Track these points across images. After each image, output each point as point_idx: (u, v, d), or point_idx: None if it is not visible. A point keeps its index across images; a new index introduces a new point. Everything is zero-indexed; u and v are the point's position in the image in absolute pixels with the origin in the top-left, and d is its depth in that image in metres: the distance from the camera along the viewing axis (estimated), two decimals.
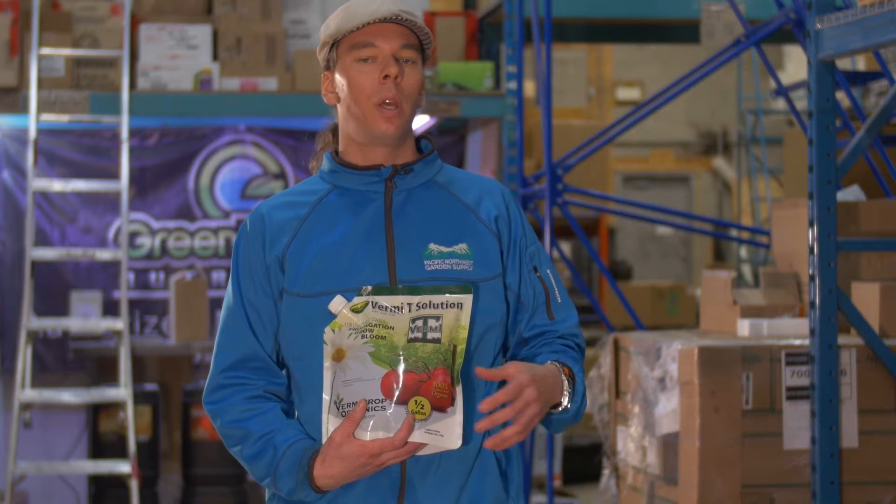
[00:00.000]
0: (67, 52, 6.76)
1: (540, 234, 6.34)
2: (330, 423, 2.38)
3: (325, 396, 2.39)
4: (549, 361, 2.49)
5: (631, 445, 4.57)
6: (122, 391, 6.51)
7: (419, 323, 2.36)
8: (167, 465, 7.72)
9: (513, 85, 6.91)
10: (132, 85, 6.80)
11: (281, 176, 8.06)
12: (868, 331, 4.01)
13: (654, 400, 4.36)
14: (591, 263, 10.92)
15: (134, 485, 6.45)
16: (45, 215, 7.78)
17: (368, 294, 2.39)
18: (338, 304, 2.40)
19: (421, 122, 7.47)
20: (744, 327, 4.50)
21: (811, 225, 3.88)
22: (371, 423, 2.34)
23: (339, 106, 2.58)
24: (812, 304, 3.89)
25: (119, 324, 6.59)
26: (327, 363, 2.39)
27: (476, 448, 2.51)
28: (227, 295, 2.59)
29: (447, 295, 2.38)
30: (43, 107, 6.64)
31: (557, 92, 9.92)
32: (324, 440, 2.39)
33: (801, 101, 8.61)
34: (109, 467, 6.66)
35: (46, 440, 7.61)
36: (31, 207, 6.63)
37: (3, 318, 7.63)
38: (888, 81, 5.00)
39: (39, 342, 7.69)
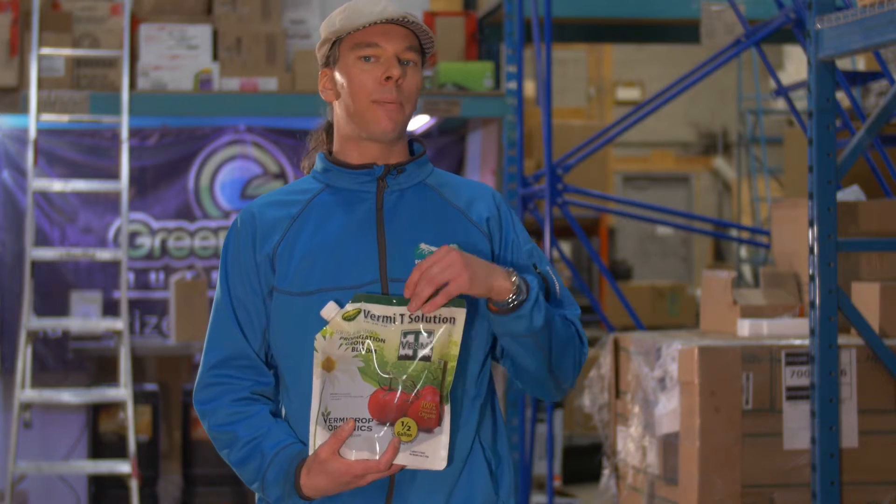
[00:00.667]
0: (67, 52, 6.76)
1: (540, 234, 6.34)
2: (317, 434, 2.39)
3: (314, 405, 2.39)
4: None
5: (631, 445, 4.57)
6: (122, 391, 6.51)
7: (410, 338, 2.35)
8: (167, 465, 7.72)
9: (513, 85, 6.91)
10: (132, 85, 6.80)
11: (281, 176, 8.06)
12: (868, 331, 4.01)
13: (654, 400, 4.36)
14: (591, 263, 10.92)
15: (134, 485, 6.45)
16: (45, 215, 7.78)
17: (361, 301, 2.37)
18: (330, 310, 2.39)
19: (421, 122, 7.47)
20: (744, 327, 4.50)
21: (811, 225, 3.88)
22: (357, 442, 2.35)
23: (336, 103, 2.58)
24: (812, 304, 3.89)
25: (119, 324, 6.59)
26: (317, 371, 2.38)
27: (466, 450, 2.51)
28: (216, 293, 2.59)
29: (440, 309, 2.35)
30: (43, 107, 6.64)
31: (557, 92, 9.92)
32: (311, 449, 2.40)
33: (801, 101, 8.60)
34: (109, 467, 6.66)
35: (46, 440, 7.61)
36: (31, 207, 6.63)
37: (3, 318, 7.63)
38: (888, 81, 5.00)
39: (39, 342, 7.69)
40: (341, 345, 2.36)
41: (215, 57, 6.97)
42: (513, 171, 6.85)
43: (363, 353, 2.35)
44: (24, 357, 6.45)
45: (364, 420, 2.35)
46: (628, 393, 4.61)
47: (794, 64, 14.68)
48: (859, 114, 5.27)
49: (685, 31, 7.41)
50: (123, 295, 6.61)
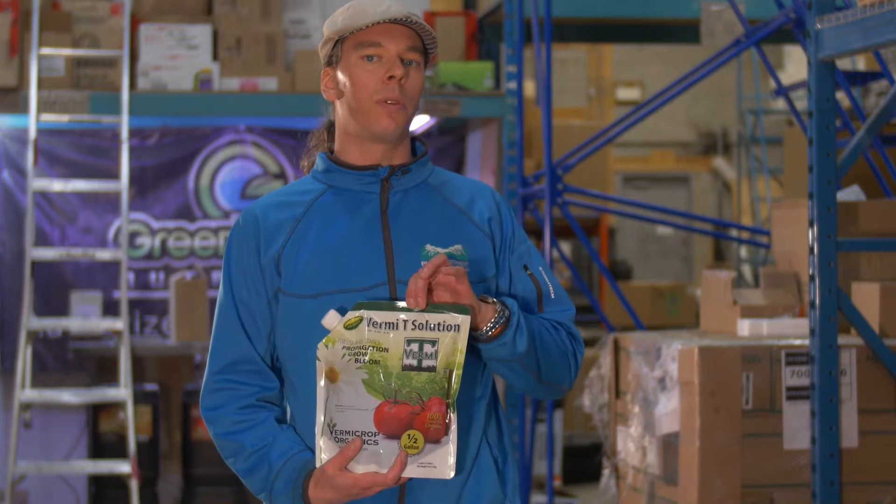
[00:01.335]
0: (67, 52, 6.76)
1: (540, 234, 6.34)
2: (324, 446, 2.38)
3: (319, 416, 2.38)
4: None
5: (631, 445, 4.57)
6: (122, 391, 6.51)
7: (414, 347, 2.33)
8: (167, 465, 7.72)
9: (513, 85, 6.91)
10: (132, 85, 6.80)
11: (281, 176, 8.06)
12: (868, 331, 4.01)
13: (654, 400, 4.36)
14: (591, 263, 10.92)
15: (134, 485, 6.44)
16: (45, 215, 7.77)
17: (362, 309, 2.36)
18: (331, 319, 2.37)
19: (421, 122, 7.47)
20: (744, 327, 4.50)
21: (811, 225, 3.88)
22: (363, 456, 2.34)
23: (338, 103, 2.57)
24: (812, 304, 3.89)
25: (119, 324, 6.59)
26: (321, 382, 2.37)
27: (474, 450, 2.52)
28: (220, 296, 2.57)
29: (444, 315, 2.34)
30: (43, 107, 6.64)
31: (557, 92, 9.92)
32: (317, 459, 2.40)
33: (801, 101, 8.60)
34: (109, 467, 6.66)
35: (46, 440, 7.61)
36: (31, 207, 6.62)
37: (3, 318, 7.63)
38: (888, 81, 5.00)
39: (39, 342, 7.68)
40: (344, 355, 2.35)
41: (215, 57, 6.97)
42: (513, 171, 6.85)
43: (367, 364, 2.34)
44: (24, 357, 6.45)
45: (370, 434, 2.34)
46: (628, 393, 4.61)
47: (794, 64, 14.68)
48: (859, 114, 5.27)
49: (685, 31, 7.41)
50: (123, 295, 6.61)
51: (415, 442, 2.33)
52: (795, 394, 4.13)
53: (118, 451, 7.03)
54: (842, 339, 4.07)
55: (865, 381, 4.12)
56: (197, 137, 7.99)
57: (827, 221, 3.85)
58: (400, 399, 2.33)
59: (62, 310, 7.66)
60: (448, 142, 8.06)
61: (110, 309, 7.62)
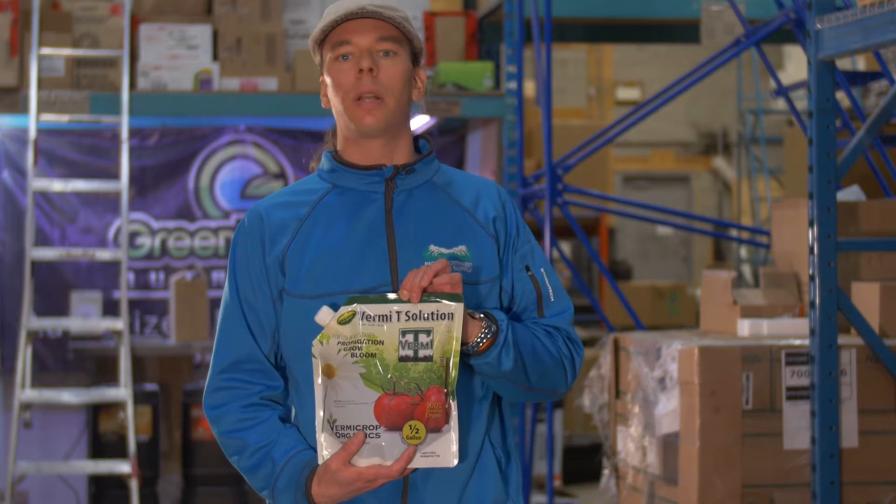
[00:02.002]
0: (67, 52, 6.76)
1: (540, 234, 6.34)
2: (325, 442, 2.38)
3: (318, 412, 2.38)
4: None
5: (631, 445, 4.57)
6: (122, 391, 6.51)
7: (409, 338, 2.33)
8: (167, 465, 7.72)
9: (513, 85, 6.91)
10: (132, 85, 6.80)
11: (281, 176, 8.06)
12: (868, 331, 4.01)
13: (654, 400, 4.36)
14: (591, 263, 10.92)
15: (134, 485, 6.44)
16: (45, 215, 7.77)
17: (355, 303, 2.36)
18: (325, 315, 2.37)
19: (421, 122, 7.47)
20: (744, 327, 4.50)
21: (811, 225, 3.88)
22: (366, 449, 2.35)
23: (332, 107, 2.59)
24: (812, 304, 3.89)
25: (119, 324, 6.59)
26: (318, 377, 2.37)
27: (477, 450, 2.52)
28: (225, 295, 2.57)
29: (437, 304, 2.34)
30: (43, 107, 6.64)
31: (557, 92, 9.93)
32: (318, 457, 2.40)
33: (801, 101, 8.60)
34: (109, 467, 6.66)
35: (46, 440, 7.61)
36: (31, 207, 6.62)
37: (3, 318, 7.63)
38: (888, 81, 5.00)
39: (39, 342, 7.68)
40: (340, 350, 2.35)
41: (215, 57, 6.97)
42: (513, 171, 6.85)
43: (363, 357, 2.34)
44: (24, 357, 6.45)
45: (371, 427, 2.34)
46: (628, 393, 4.61)
47: (794, 64, 14.68)
48: (859, 114, 5.27)
49: (685, 31, 7.41)
50: (123, 295, 6.61)
51: (416, 432, 2.33)
52: (795, 394, 4.13)
53: (118, 451, 7.03)
54: (842, 339, 4.07)
55: (865, 381, 4.12)
56: (197, 137, 7.99)
57: (827, 221, 3.85)
58: (399, 390, 2.33)
59: (62, 310, 7.66)
60: (448, 142, 8.06)
61: (110, 309, 7.62)
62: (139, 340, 7.72)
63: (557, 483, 7.88)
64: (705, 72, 5.94)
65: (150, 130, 7.88)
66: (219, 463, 7.17)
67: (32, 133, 6.54)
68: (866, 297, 4.31)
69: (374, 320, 2.34)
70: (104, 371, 7.55)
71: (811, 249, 3.88)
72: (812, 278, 3.88)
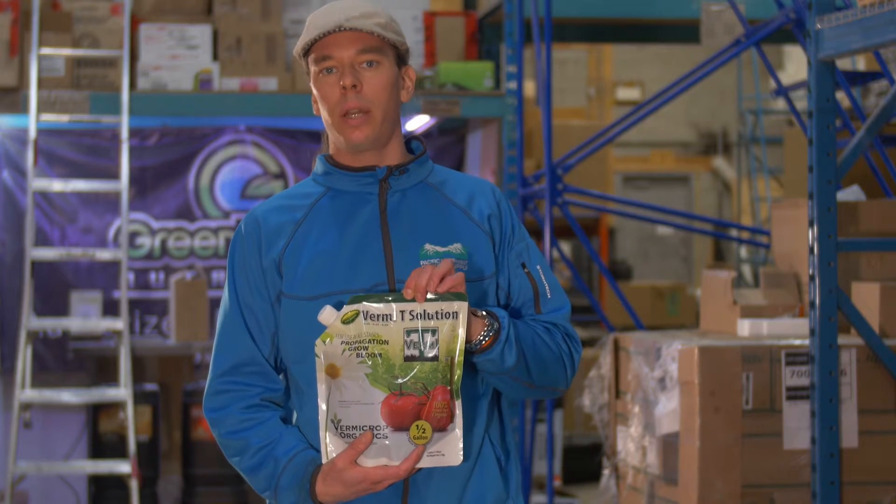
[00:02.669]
0: (67, 52, 6.76)
1: (540, 234, 6.34)
2: (329, 441, 2.38)
3: (321, 412, 2.38)
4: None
5: (631, 445, 4.57)
6: (122, 391, 6.51)
7: (414, 337, 2.33)
8: (167, 465, 7.72)
9: (513, 85, 6.91)
10: (132, 85, 6.80)
11: (281, 176, 8.06)
12: (868, 331, 4.01)
13: (654, 400, 4.36)
14: (591, 263, 10.92)
15: (134, 485, 6.44)
16: (45, 215, 7.77)
17: (358, 302, 2.35)
18: (328, 315, 2.37)
19: (421, 122, 7.47)
20: (744, 327, 4.50)
21: (811, 225, 3.88)
22: (373, 450, 2.35)
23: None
24: (812, 304, 3.89)
25: (119, 324, 6.59)
26: (321, 377, 2.37)
27: (477, 449, 2.52)
28: (224, 298, 2.58)
29: (441, 303, 2.34)
30: (43, 107, 6.64)
31: (557, 92, 9.92)
32: (323, 456, 2.40)
33: (801, 101, 8.61)
34: (109, 467, 6.66)
35: (46, 440, 7.61)
36: (31, 207, 6.62)
37: (3, 318, 7.63)
38: (888, 81, 5.00)
39: (39, 342, 7.68)
40: (344, 350, 2.35)
41: (215, 57, 6.97)
42: (513, 172, 6.85)
43: (368, 357, 2.34)
44: (24, 357, 6.45)
45: (378, 427, 2.34)
46: (628, 393, 4.61)
47: (794, 64, 14.69)
48: (859, 114, 5.27)
49: (685, 31, 7.41)
50: (123, 295, 6.61)
51: (423, 432, 2.33)
52: (795, 394, 4.13)
53: (118, 451, 7.03)
54: (842, 339, 4.07)
55: (865, 381, 4.12)
56: (197, 137, 7.99)
57: (827, 221, 3.85)
58: (406, 390, 2.33)
59: (62, 310, 7.66)
60: (448, 142, 8.06)
61: (110, 309, 7.62)
62: (139, 340, 7.71)
63: (557, 483, 7.88)
64: (705, 72, 5.94)
65: (150, 130, 7.88)
66: (219, 463, 7.18)
67: (32, 133, 6.54)
68: (866, 297, 4.31)
69: (377, 319, 2.34)
70: (104, 371, 7.55)
71: (811, 249, 3.88)
72: (812, 278, 3.88)
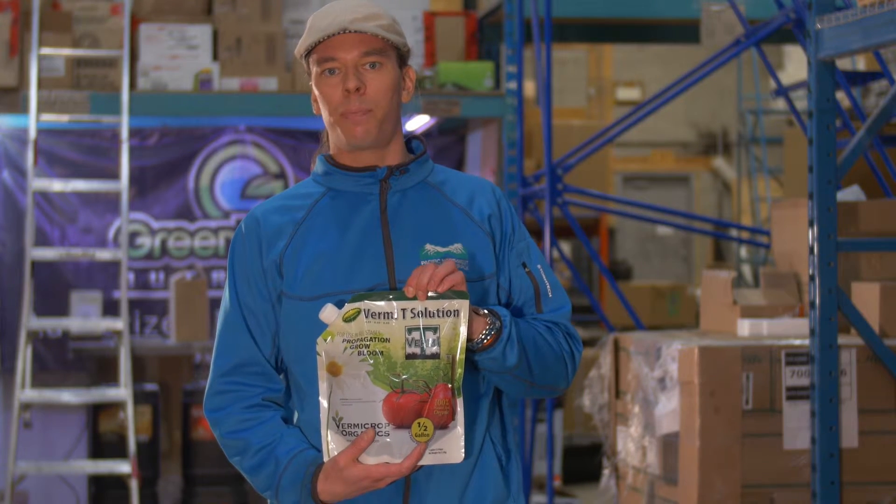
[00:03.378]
0: (67, 52, 6.75)
1: (540, 234, 6.34)
2: (331, 440, 2.38)
3: (323, 410, 2.38)
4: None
5: (631, 445, 4.57)
6: (122, 391, 6.51)
7: (416, 335, 2.34)
8: (167, 465, 7.72)
9: (513, 85, 6.91)
10: (132, 85, 6.80)
11: (281, 176, 8.06)
12: (868, 331, 4.01)
13: (654, 400, 4.36)
14: (591, 263, 10.92)
15: (134, 485, 6.44)
16: (45, 215, 7.77)
17: (360, 301, 2.36)
18: (329, 313, 2.37)
19: (421, 122, 7.47)
20: (744, 327, 4.50)
21: (811, 225, 3.88)
22: (374, 447, 2.35)
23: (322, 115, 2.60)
24: (812, 304, 3.89)
25: (119, 324, 6.59)
26: (322, 375, 2.37)
27: (478, 448, 2.52)
28: (224, 299, 2.58)
29: (443, 301, 2.35)
30: (43, 107, 6.63)
31: (557, 92, 9.92)
32: (324, 455, 2.40)
33: (801, 101, 8.61)
34: (109, 467, 6.66)
35: (46, 440, 7.61)
36: (31, 207, 6.62)
37: (3, 318, 7.63)
38: (888, 81, 5.00)
39: (39, 342, 7.68)
40: (346, 348, 2.35)
41: (215, 57, 6.97)
42: (513, 171, 6.85)
43: (370, 355, 2.34)
44: (24, 357, 6.45)
45: (380, 425, 2.34)
46: (628, 393, 4.61)
47: (794, 64, 14.68)
48: (859, 114, 5.27)
49: (685, 31, 7.41)
50: (123, 295, 6.61)
51: (425, 430, 2.34)
52: (795, 394, 4.13)
53: (118, 451, 7.03)
54: (842, 339, 4.07)
55: (865, 381, 4.12)
56: (197, 137, 7.99)
57: (827, 221, 3.85)
58: (407, 388, 2.33)
59: (62, 310, 7.66)
60: (448, 142, 8.06)
61: (110, 309, 7.62)
62: (139, 340, 7.71)
63: (557, 483, 7.88)
64: (705, 72, 5.94)
65: (150, 130, 7.88)
66: (219, 463, 7.18)
67: (32, 133, 6.54)
68: (866, 297, 4.31)
69: (379, 318, 2.35)
70: (104, 371, 7.55)
71: (811, 249, 3.88)
72: (812, 278, 3.88)
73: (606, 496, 4.94)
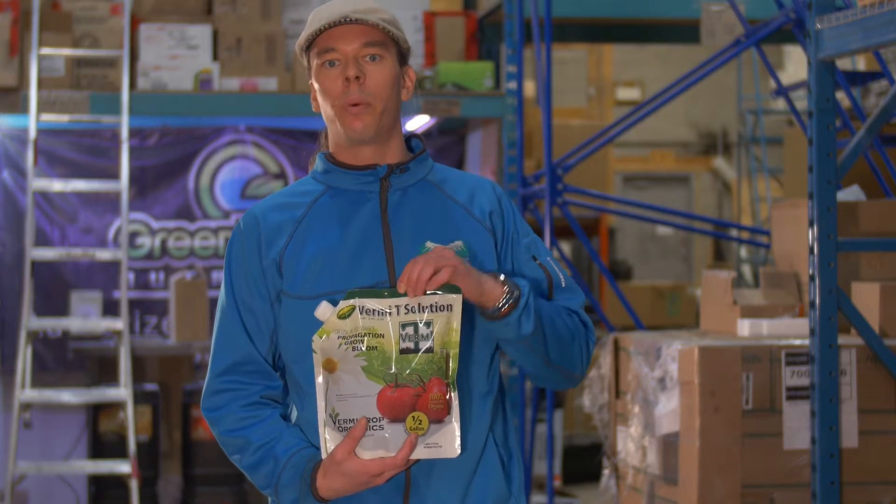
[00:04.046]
0: (67, 52, 6.75)
1: (540, 234, 6.33)
2: (328, 436, 2.38)
3: (320, 407, 2.39)
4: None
5: (631, 445, 4.57)
6: (122, 391, 6.51)
7: (409, 330, 2.35)
8: (167, 465, 7.72)
9: (513, 85, 6.91)
10: (132, 85, 6.80)
11: (281, 176, 8.06)
12: (868, 331, 4.01)
13: (654, 400, 4.36)
14: (591, 263, 10.92)
15: (134, 485, 6.44)
16: (45, 215, 7.77)
17: (354, 297, 2.37)
18: (324, 310, 2.38)
19: (421, 122, 7.47)
20: (744, 327, 4.50)
21: (811, 225, 3.88)
22: (370, 441, 2.35)
23: (322, 111, 2.60)
24: (812, 304, 3.89)
25: (119, 324, 6.59)
26: (318, 372, 2.38)
27: (479, 447, 2.52)
28: (221, 297, 2.58)
29: (436, 296, 2.36)
30: (43, 107, 6.64)
31: (557, 92, 9.92)
32: (322, 451, 2.40)
33: (801, 101, 8.61)
34: (109, 467, 6.66)
35: (46, 440, 7.61)
36: (31, 207, 6.62)
37: (3, 318, 7.63)
38: (888, 81, 5.00)
39: (39, 342, 7.68)
40: (340, 344, 2.36)
41: (215, 57, 6.97)
42: (513, 171, 6.85)
43: (364, 350, 2.35)
44: (24, 357, 6.45)
45: (375, 419, 2.35)
46: (628, 393, 4.61)
47: (794, 64, 14.68)
48: (859, 114, 5.27)
49: (685, 31, 7.41)
50: (123, 295, 6.61)
51: (420, 423, 2.34)
52: (795, 394, 4.13)
53: (118, 451, 7.03)
54: (842, 339, 4.07)
55: (865, 381, 4.12)
56: (197, 137, 7.99)
57: (827, 221, 3.85)
58: (401, 382, 2.34)
59: (62, 310, 7.66)
60: (448, 142, 8.06)
61: (110, 309, 7.62)
62: (139, 340, 7.71)
63: (557, 483, 7.88)
64: (705, 72, 5.94)
65: (150, 130, 7.88)
66: (219, 463, 7.18)
67: (32, 133, 6.54)
68: (866, 297, 4.31)
69: (373, 314, 2.36)
70: (104, 371, 7.55)
71: (811, 249, 3.88)
72: (812, 278, 3.88)
73: (606, 496, 4.94)
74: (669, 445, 4.30)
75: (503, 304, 2.41)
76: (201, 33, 6.94)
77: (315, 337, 2.37)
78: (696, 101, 15.91)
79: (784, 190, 7.08)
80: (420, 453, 2.36)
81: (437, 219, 2.54)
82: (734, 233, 12.26)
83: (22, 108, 6.69)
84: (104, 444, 7.28)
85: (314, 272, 2.49)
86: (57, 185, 6.92)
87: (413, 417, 2.34)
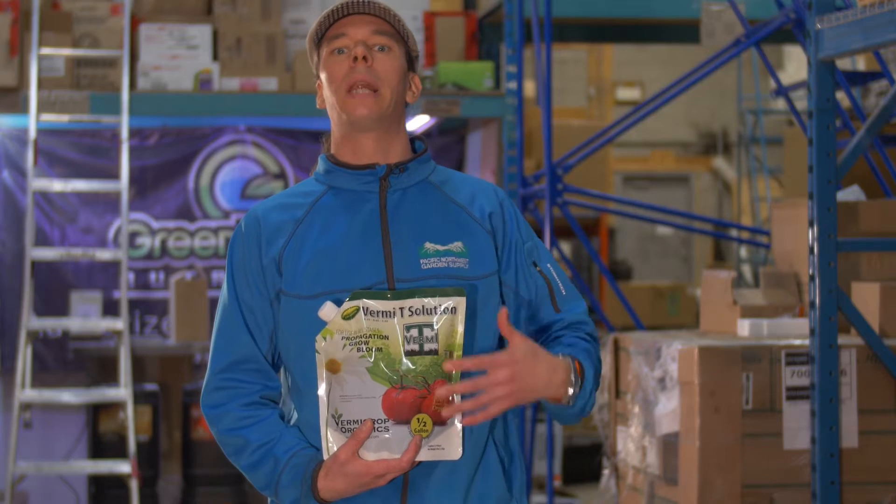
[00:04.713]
0: (67, 52, 6.76)
1: (540, 234, 6.33)
2: (330, 437, 2.38)
3: (322, 408, 2.39)
4: (560, 355, 2.46)
5: (631, 445, 4.57)
6: (122, 391, 6.51)
7: (414, 332, 2.35)
8: (167, 465, 7.72)
9: (513, 85, 6.91)
10: (132, 85, 6.80)
11: (281, 176, 8.06)
12: (868, 331, 4.01)
13: (654, 400, 4.36)
14: (591, 263, 10.92)
15: (134, 485, 6.44)
16: (45, 215, 7.77)
17: (358, 298, 2.37)
18: (328, 311, 2.38)
19: (421, 122, 7.47)
20: (744, 327, 4.50)
21: (811, 225, 3.88)
22: (374, 443, 2.35)
23: (327, 106, 2.60)
24: (812, 304, 3.89)
25: (119, 324, 6.59)
26: (321, 373, 2.38)
27: (480, 448, 2.52)
28: (222, 296, 2.58)
29: (440, 298, 2.36)
30: (43, 107, 6.64)
31: (557, 92, 9.92)
32: (324, 452, 2.40)
33: (801, 101, 8.61)
34: (109, 467, 6.66)
35: (46, 440, 7.61)
36: (31, 207, 6.62)
37: (3, 318, 7.63)
38: (888, 81, 5.00)
39: (39, 342, 7.69)
40: (345, 345, 2.36)
41: (215, 57, 6.97)
42: (513, 172, 6.85)
43: (370, 352, 2.35)
44: (24, 357, 6.45)
45: (379, 421, 2.35)
46: (628, 393, 4.61)
47: (794, 64, 14.68)
48: (859, 114, 5.27)
49: (685, 31, 7.41)
50: (123, 295, 6.61)
51: (424, 425, 2.34)
52: (795, 394, 4.13)
53: (118, 451, 7.03)
54: (842, 339, 4.07)
55: (865, 381, 4.12)
56: (197, 137, 7.99)
57: (827, 221, 3.86)
58: (406, 384, 2.34)
59: (62, 310, 7.66)
60: (448, 142, 8.06)
61: (110, 309, 7.62)
62: (139, 340, 7.72)
63: (557, 483, 7.89)
64: (705, 72, 5.94)
65: (150, 130, 7.88)
66: (219, 463, 7.18)
67: (32, 133, 6.54)
68: (866, 297, 4.31)
69: (377, 315, 2.36)
70: (104, 371, 7.56)
71: (811, 249, 3.88)
72: (812, 278, 3.88)
73: (606, 496, 4.94)
74: (669, 445, 4.30)
75: (569, 401, 2.45)
76: (201, 33, 6.95)
77: (318, 337, 2.37)
78: (696, 101, 15.90)
79: (784, 190, 7.08)
80: (423, 455, 2.36)
81: (436, 219, 2.54)
82: (734, 233, 12.26)
83: (22, 108, 6.69)
84: (104, 444, 7.28)
85: (313, 271, 2.49)
86: (57, 185, 6.92)
87: (418, 419, 2.34)
